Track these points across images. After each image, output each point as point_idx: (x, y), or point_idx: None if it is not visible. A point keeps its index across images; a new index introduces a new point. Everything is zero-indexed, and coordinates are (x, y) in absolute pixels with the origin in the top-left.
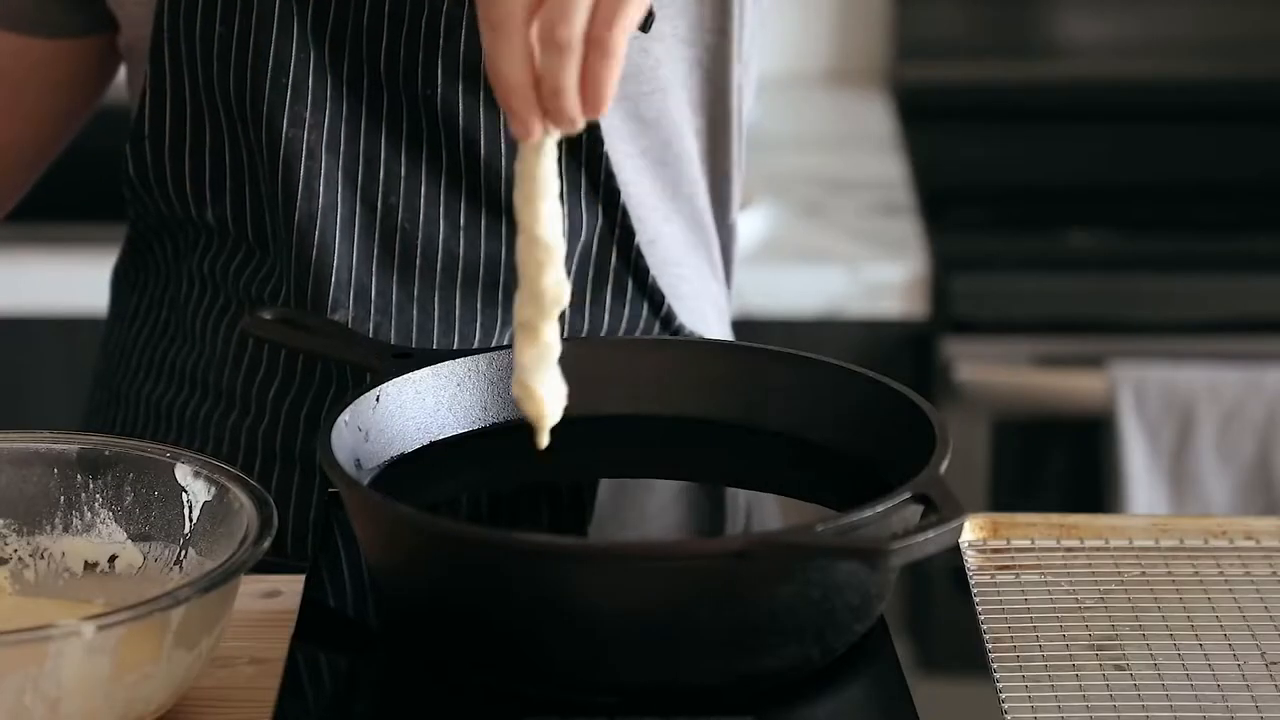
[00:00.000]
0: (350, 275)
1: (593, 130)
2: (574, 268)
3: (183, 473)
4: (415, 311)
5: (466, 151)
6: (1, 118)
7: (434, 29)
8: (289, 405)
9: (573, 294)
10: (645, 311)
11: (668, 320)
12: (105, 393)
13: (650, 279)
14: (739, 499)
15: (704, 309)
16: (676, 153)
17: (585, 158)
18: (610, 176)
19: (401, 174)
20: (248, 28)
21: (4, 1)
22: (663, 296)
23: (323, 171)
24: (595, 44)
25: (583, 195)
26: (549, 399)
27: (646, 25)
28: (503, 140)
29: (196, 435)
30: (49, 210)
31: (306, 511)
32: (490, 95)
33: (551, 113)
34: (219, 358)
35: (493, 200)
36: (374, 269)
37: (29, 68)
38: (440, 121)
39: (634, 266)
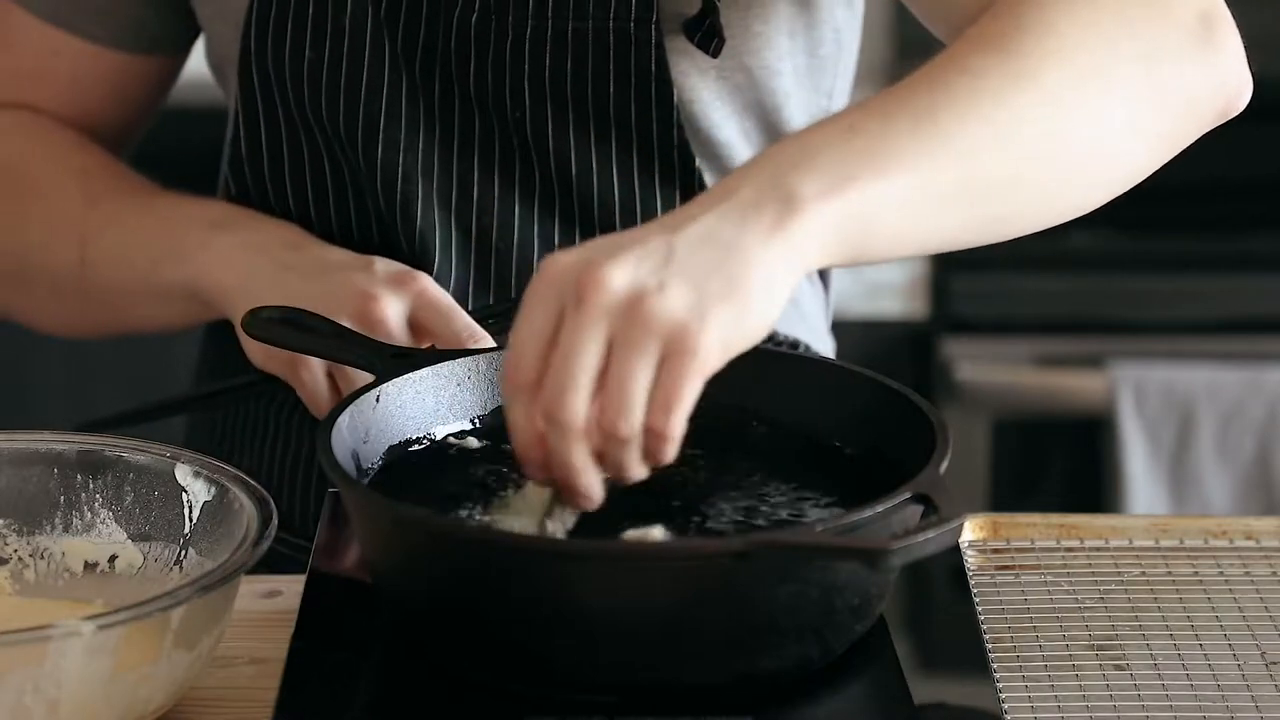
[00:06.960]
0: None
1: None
2: None
3: (183, 473)
4: None
5: (558, 172)
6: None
7: (519, 53)
8: None
9: None
10: None
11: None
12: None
13: None
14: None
15: (802, 309)
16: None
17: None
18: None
19: (495, 195)
20: (339, 53)
21: (106, 20)
22: None
23: (419, 195)
24: (653, 434)
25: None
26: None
27: (716, 51)
28: (593, 159)
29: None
30: None
31: None
32: (579, 118)
33: (614, 476)
34: None
35: (586, 220)
36: (470, 291)
37: (101, 79)
38: (530, 143)
39: None
